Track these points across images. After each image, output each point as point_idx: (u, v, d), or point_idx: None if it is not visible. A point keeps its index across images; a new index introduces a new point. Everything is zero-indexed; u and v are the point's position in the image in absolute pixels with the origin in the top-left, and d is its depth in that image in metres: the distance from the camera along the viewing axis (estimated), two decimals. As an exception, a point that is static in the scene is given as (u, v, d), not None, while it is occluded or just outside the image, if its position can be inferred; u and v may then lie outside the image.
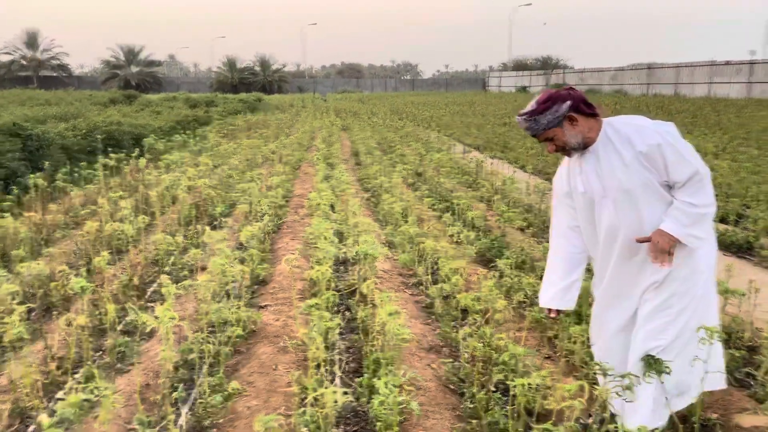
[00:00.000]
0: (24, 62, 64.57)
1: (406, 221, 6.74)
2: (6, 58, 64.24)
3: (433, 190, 9.04)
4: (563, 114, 2.59)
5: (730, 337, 3.86)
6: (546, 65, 68.36)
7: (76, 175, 8.50)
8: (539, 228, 6.99)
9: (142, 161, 8.67)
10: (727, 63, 36.49)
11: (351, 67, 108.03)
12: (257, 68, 69.26)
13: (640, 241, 2.57)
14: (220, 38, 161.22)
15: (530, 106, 2.64)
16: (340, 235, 6.24)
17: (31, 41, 64.60)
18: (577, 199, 2.78)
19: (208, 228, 5.30)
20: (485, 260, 6.05)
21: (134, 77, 64.50)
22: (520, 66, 71.28)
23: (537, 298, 4.65)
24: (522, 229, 6.93)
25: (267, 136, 15.71)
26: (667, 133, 2.53)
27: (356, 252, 4.18)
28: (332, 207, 7.76)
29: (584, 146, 2.65)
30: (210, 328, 4.02)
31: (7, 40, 64.45)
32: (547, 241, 6.44)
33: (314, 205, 6.27)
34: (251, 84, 64.88)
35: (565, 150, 2.69)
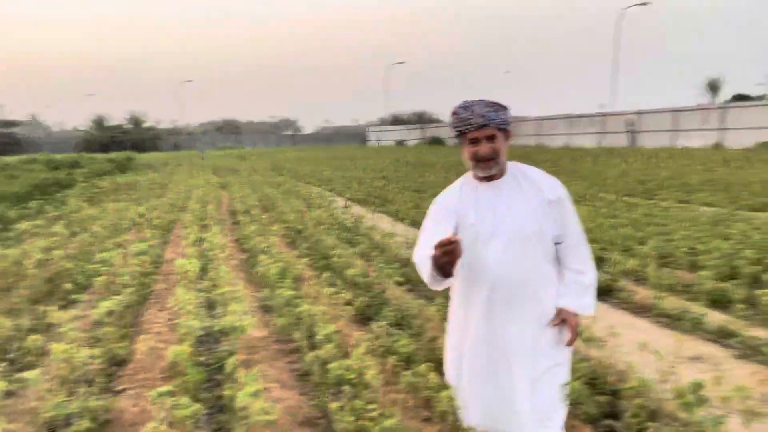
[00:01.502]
0: None
1: (283, 283, 6.52)
2: None
3: (313, 248, 8.89)
4: (509, 121, 2.49)
5: (595, 381, 3.98)
6: (421, 119, 71.43)
7: None
8: (418, 281, 7.04)
9: (-14, 233, 7.79)
10: (581, 116, 40.00)
11: (230, 123, 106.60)
12: (129, 126, 66.44)
13: (556, 324, 2.50)
14: (88, 96, 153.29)
15: (482, 102, 2.45)
16: (212, 304, 5.89)
17: None
18: (462, 228, 2.52)
19: (55, 308, 4.77)
20: (365, 318, 5.95)
21: (-11, 139, 59.48)
22: (397, 121, 73.97)
23: (413, 356, 4.60)
24: (401, 284, 6.93)
25: (137, 198, 14.89)
26: (565, 189, 2.56)
27: (221, 326, 3.91)
28: (205, 272, 7.37)
29: (498, 172, 2.51)
30: (51, 425, 3.54)
31: None
32: (426, 295, 6.47)
33: (181, 273, 5.88)
34: (123, 143, 62.03)
35: (491, 162, 2.45)
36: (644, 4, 47.30)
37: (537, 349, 2.49)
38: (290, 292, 5.84)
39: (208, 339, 5.25)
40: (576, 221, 2.55)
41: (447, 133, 52.45)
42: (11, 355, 4.75)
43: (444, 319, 5.59)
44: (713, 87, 60.28)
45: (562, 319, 2.50)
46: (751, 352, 4.68)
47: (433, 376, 3.67)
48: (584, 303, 2.53)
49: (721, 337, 5.02)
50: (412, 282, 7.06)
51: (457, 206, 2.55)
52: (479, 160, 2.46)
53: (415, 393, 3.96)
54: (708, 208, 11.05)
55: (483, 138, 2.43)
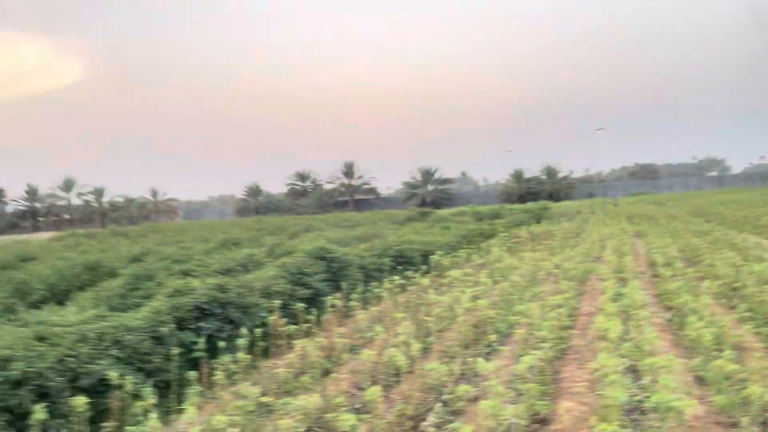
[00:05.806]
0: (342, 188, 77.40)
1: (721, 351, 5.57)
2: (329, 187, 78.40)
3: (756, 310, 7.42)
4: None
5: None
6: None
7: (368, 294, 9.12)
8: None
9: (425, 280, 8.94)
10: None
11: (644, 168, 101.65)
12: (543, 177, 70.02)
13: None
14: (507, 152, 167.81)
15: None
16: (634, 372, 5.36)
17: (349, 171, 77.01)
18: None
19: (480, 359, 5.01)
20: None
21: (429, 195, 70.92)
22: None
23: None
24: None
25: (552, 247, 15.19)
26: None
27: (653, 403, 3.42)
28: (626, 332, 6.85)
29: None
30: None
31: (330, 172, 79.67)
32: None
33: (601, 332, 5.53)
34: (538, 193, 65.56)
35: None
36: None
37: None
38: (731, 366, 4.88)
39: (633, 412, 4.75)
40: None
41: None
42: (444, 398, 5.17)
43: None
44: None
45: None
46: None
47: None
48: None
49: None
50: None
51: None
52: None
53: None
54: None
55: None
